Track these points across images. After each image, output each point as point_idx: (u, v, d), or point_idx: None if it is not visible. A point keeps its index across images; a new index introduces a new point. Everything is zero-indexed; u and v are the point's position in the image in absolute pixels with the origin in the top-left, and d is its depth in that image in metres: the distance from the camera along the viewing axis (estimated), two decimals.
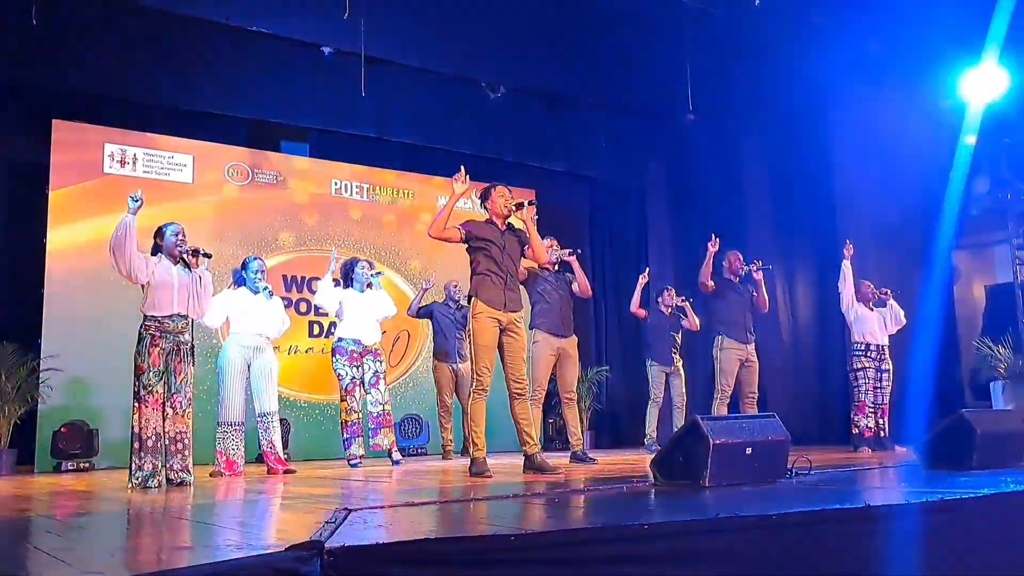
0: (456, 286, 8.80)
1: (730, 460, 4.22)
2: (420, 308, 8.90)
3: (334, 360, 7.65)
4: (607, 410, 11.82)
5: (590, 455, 7.52)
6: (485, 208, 5.96)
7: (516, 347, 5.82)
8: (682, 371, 9.28)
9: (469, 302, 5.85)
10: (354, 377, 7.60)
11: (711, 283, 8.02)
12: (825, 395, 10.20)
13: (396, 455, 7.74)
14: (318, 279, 9.79)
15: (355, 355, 7.62)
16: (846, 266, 8.29)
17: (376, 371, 7.69)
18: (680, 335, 9.28)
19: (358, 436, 7.60)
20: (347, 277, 7.82)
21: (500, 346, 5.78)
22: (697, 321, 9.24)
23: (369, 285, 7.84)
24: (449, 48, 9.42)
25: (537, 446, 5.90)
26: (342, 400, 7.64)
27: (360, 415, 7.64)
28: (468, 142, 11.10)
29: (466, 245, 5.82)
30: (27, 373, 8.07)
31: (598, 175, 12.31)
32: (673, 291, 9.36)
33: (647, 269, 9.22)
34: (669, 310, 9.22)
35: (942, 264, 9.55)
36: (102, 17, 8.40)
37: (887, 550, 2.97)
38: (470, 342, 5.82)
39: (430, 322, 9.09)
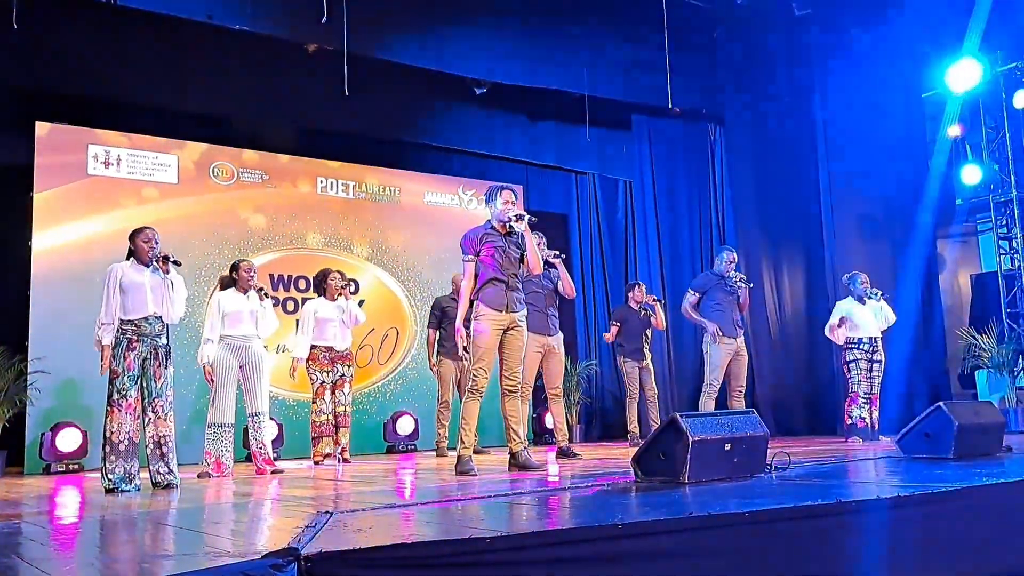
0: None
1: (709, 456, 4.26)
2: (431, 322, 8.91)
3: (307, 365, 8.03)
4: (596, 404, 11.86)
5: (576, 450, 7.59)
6: (489, 208, 5.98)
7: (515, 346, 5.88)
8: (652, 366, 9.35)
9: (471, 303, 5.90)
10: (323, 381, 8.00)
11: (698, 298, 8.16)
12: (813, 386, 10.27)
13: (347, 455, 8.10)
14: (303, 277, 9.88)
15: (326, 361, 8.03)
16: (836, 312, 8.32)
17: (343, 374, 8.14)
18: (651, 331, 9.36)
19: (326, 436, 7.99)
20: (319, 287, 8.20)
21: (500, 344, 5.84)
22: (664, 320, 9.34)
23: (340, 294, 8.14)
24: (432, 44, 9.42)
25: (523, 443, 5.95)
26: (312, 402, 8.05)
27: (328, 416, 8.01)
28: (454, 138, 11.12)
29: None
30: (15, 376, 8.08)
31: (585, 169, 12.33)
32: (644, 288, 9.45)
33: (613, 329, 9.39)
34: (639, 306, 9.28)
35: (927, 254, 9.61)
36: (84, 17, 8.38)
37: (859, 545, 3.02)
38: (471, 343, 5.86)
39: (428, 319, 9.04)
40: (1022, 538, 3.40)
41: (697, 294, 8.14)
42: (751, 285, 8.39)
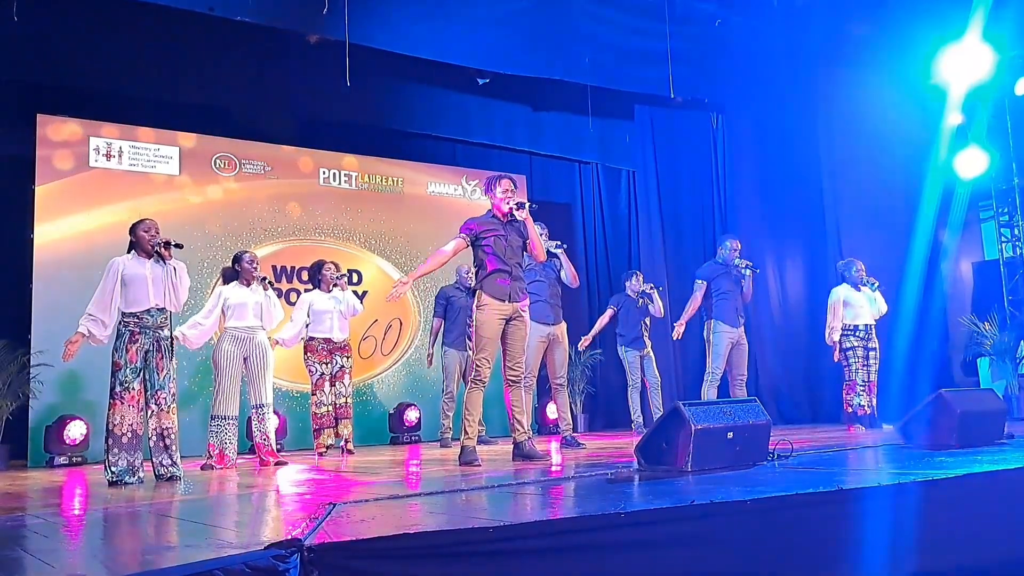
0: (468, 271, 8.58)
1: (712, 445, 4.27)
2: (436, 309, 8.94)
3: (305, 357, 7.99)
4: (600, 393, 11.87)
5: (580, 439, 7.59)
6: (488, 198, 6.00)
7: (518, 336, 5.89)
8: (653, 354, 9.35)
9: (474, 294, 5.91)
10: (323, 373, 7.94)
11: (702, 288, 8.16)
12: (815, 374, 10.25)
13: (350, 446, 8.07)
14: (305, 268, 9.86)
15: (324, 352, 7.96)
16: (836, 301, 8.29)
17: (342, 366, 8.05)
18: (649, 319, 9.36)
19: (327, 427, 7.95)
20: (314, 278, 8.17)
21: (503, 334, 5.85)
22: (662, 307, 9.33)
23: (335, 285, 8.10)
24: (435, 35, 9.41)
25: (527, 433, 5.95)
26: (312, 394, 8.00)
27: (329, 408, 7.97)
28: (456, 129, 11.12)
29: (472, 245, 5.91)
30: (17, 369, 8.10)
31: (588, 159, 12.33)
32: (641, 276, 9.45)
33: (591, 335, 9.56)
34: (637, 295, 9.28)
35: (929, 241, 9.60)
36: (85, 10, 8.38)
37: (861, 533, 3.02)
38: (474, 332, 5.89)
39: (433, 308, 9.05)
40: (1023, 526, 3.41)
41: (705, 282, 8.13)
42: (757, 270, 8.38)
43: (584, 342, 9.46)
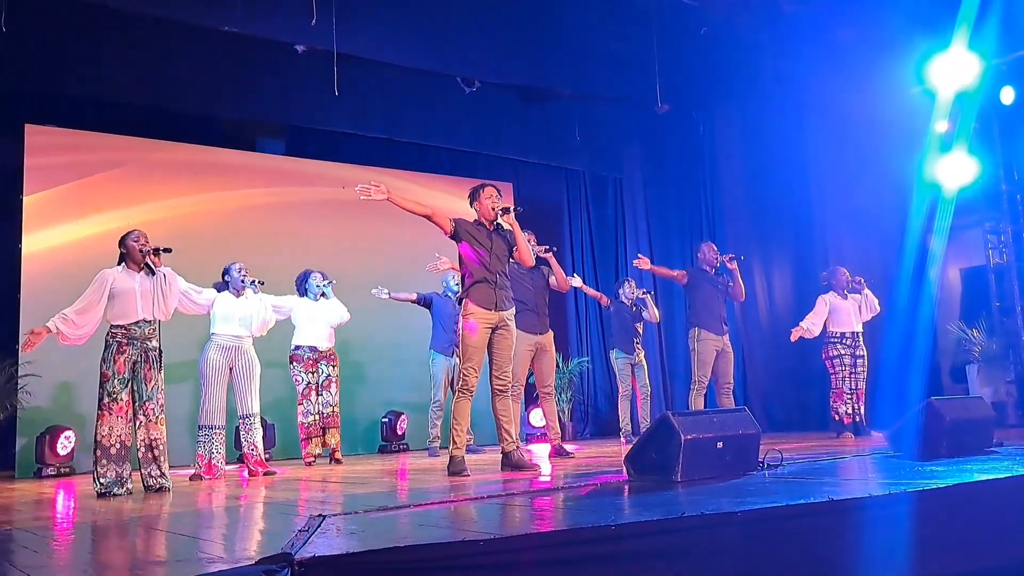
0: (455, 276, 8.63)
1: (701, 455, 4.27)
2: (419, 295, 8.93)
3: (291, 366, 8.11)
4: (589, 401, 11.87)
5: (568, 448, 7.58)
6: (474, 208, 5.99)
7: (504, 345, 5.88)
8: (645, 362, 9.34)
9: (460, 303, 5.91)
10: (309, 383, 8.06)
11: (681, 272, 8.20)
12: (804, 382, 10.25)
13: (338, 455, 8.17)
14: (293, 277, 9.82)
15: (311, 361, 8.10)
16: (822, 303, 8.32)
17: (328, 375, 8.18)
18: (642, 326, 9.35)
19: (314, 437, 8.07)
20: (301, 287, 8.26)
21: (488, 343, 5.84)
22: (657, 313, 9.33)
23: (323, 294, 8.20)
24: (422, 43, 9.42)
25: (515, 443, 5.95)
26: (299, 404, 8.09)
27: (316, 417, 8.07)
28: (444, 137, 11.12)
29: (454, 241, 5.88)
30: (5, 379, 8.06)
31: (574, 166, 12.36)
32: (634, 283, 9.45)
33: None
34: (630, 302, 9.28)
35: (917, 248, 9.62)
36: (74, 20, 8.35)
37: (851, 543, 3.03)
38: (460, 342, 5.89)
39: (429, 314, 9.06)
40: (1013, 534, 3.42)
41: (686, 273, 8.15)
42: (742, 257, 8.35)
43: (573, 280, 9.16)
